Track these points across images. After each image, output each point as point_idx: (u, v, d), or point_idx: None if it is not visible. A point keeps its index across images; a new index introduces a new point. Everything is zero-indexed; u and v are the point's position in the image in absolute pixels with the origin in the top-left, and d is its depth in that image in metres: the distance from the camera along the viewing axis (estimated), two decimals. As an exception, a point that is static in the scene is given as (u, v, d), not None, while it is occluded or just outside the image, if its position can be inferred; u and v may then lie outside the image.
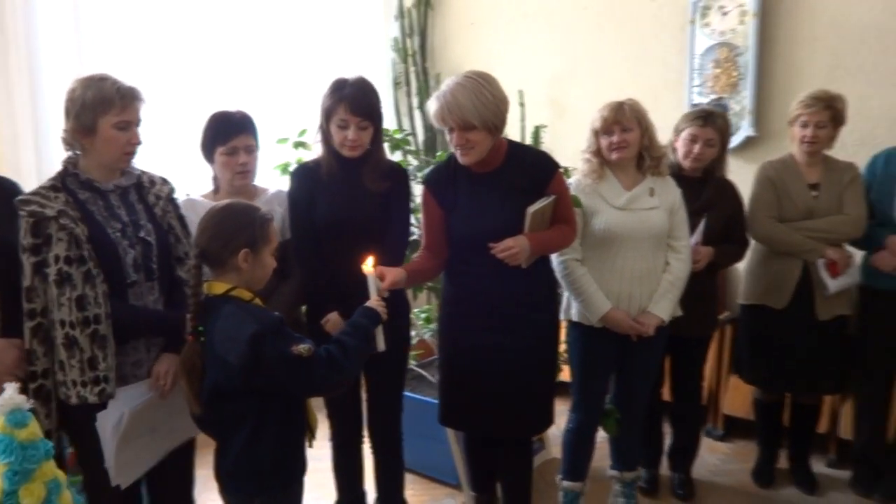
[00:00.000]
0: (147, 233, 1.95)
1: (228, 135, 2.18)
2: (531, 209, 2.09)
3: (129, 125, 1.89)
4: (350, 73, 2.26)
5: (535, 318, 2.21)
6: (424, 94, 4.48)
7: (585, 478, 2.65)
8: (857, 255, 2.81)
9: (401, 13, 4.56)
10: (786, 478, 3.03)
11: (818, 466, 3.09)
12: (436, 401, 2.71)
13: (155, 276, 1.95)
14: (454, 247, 2.21)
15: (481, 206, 2.14)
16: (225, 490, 1.78)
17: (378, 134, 2.22)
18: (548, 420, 2.34)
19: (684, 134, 2.68)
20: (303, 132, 2.72)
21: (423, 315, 3.24)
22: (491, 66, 4.35)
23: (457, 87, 2.06)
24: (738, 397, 3.35)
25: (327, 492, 2.56)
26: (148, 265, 1.94)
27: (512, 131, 4.20)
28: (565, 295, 2.48)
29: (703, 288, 2.64)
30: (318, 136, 2.24)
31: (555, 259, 2.37)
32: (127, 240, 1.91)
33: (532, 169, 2.19)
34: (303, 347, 1.60)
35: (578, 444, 2.60)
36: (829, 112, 2.64)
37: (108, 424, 1.88)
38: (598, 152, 2.41)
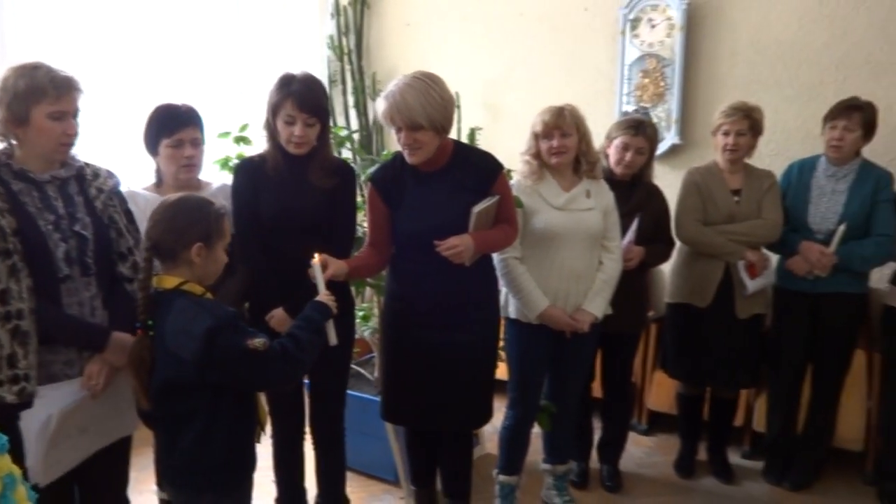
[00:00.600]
0: (83, 226, 1.87)
1: (174, 127, 2.14)
2: (476, 208, 2.14)
3: (64, 115, 1.82)
4: (286, 70, 2.24)
5: (477, 316, 2.27)
6: (360, 92, 4.49)
7: (521, 472, 2.72)
8: (773, 258, 3.00)
9: (337, 11, 4.54)
10: (705, 469, 3.20)
11: (734, 458, 3.28)
12: (374, 398, 2.74)
13: (91, 271, 1.87)
14: (399, 244, 2.23)
15: (427, 205, 2.18)
16: (172, 485, 1.75)
17: (325, 131, 2.22)
18: (488, 414, 2.40)
19: (617, 142, 2.79)
20: (244, 127, 2.68)
21: (360, 313, 3.24)
22: (427, 67, 4.40)
23: (405, 87, 2.09)
24: (661, 393, 3.51)
25: (266, 490, 2.53)
26: (83, 260, 1.86)
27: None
28: (503, 292, 2.54)
29: (633, 286, 2.76)
30: (264, 132, 2.21)
31: (495, 257, 2.43)
32: (59, 233, 1.83)
33: (477, 169, 2.24)
34: (258, 342, 1.59)
35: (515, 439, 2.67)
36: (748, 121, 2.82)
37: (33, 424, 1.79)
38: (537, 155, 2.49)
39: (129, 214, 2.00)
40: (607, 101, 3.87)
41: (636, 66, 3.77)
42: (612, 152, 2.80)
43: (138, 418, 1.91)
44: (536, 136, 2.48)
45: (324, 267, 1.94)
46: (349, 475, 2.99)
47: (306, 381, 2.35)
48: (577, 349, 2.57)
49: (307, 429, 2.42)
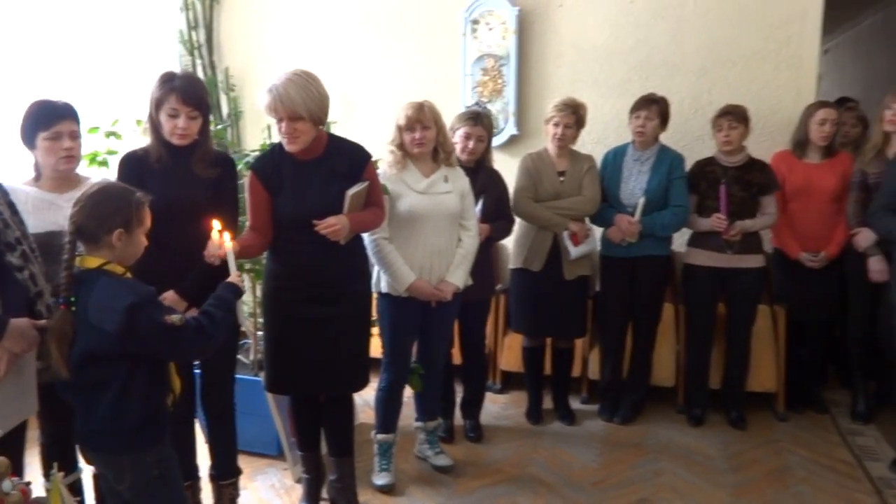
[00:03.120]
0: None
1: (51, 120, 2.19)
2: (350, 192, 2.41)
3: None
4: (139, 65, 2.36)
5: (353, 290, 2.53)
6: (213, 87, 4.55)
7: (396, 430, 3.04)
8: (597, 230, 3.53)
9: (185, 5, 4.56)
10: (551, 415, 3.70)
11: (575, 404, 3.81)
12: (252, 378, 2.93)
13: None
14: (280, 226, 2.44)
15: (305, 190, 2.41)
16: (91, 449, 1.85)
17: (206, 124, 2.38)
18: (365, 379, 2.67)
19: (460, 132, 3.18)
20: (115, 122, 2.74)
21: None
22: (280, 62, 4.56)
23: (287, 82, 2.32)
24: (511, 356, 3.98)
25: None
26: None
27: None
28: (375, 269, 2.83)
29: (482, 258, 3.13)
30: (147, 125, 2.33)
31: (366, 237, 2.71)
32: None
33: (350, 157, 2.50)
34: (176, 317, 1.74)
35: (389, 400, 2.98)
36: (574, 116, 3.32)
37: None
38: (401, 145, 2.80)
39: (12, 206, 2.03)
40: (453, 96, 4.24)
41: (477, 64, 4.19)
42: (457, 141, 3.18)
43: (36, 402, 1.99)
44: (400, 129, 2.79)
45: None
46: (234, 452, 3.18)
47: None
48: (441, 317, 2.93)
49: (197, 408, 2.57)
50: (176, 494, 1.90)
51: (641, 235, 3.36)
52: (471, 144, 3.16)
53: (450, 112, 3.25)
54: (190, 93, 2.28)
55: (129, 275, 1.83)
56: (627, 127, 3.52)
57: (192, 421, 2.57)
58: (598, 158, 3.56)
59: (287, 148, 2.40)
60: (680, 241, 3.77)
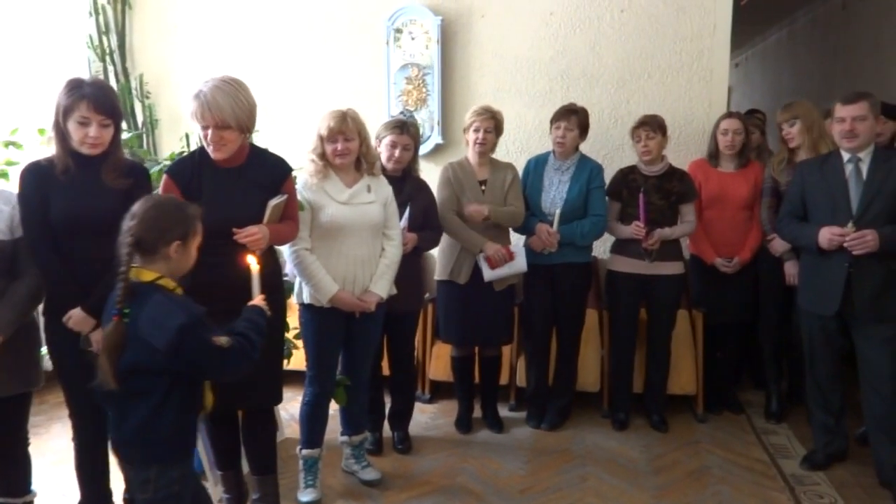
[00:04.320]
0: None
1: None
2: (272, 202, 2.35)
3: None
4: (46, 70, 2.26)
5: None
6: (127, 94, 4.38)
7: (321, 445, 2.97)
8: (521, 251, 3.48)
9: (95, 10, 4.38)
10: (480, 424, 3.70)
11: (503, 411, 3.82)
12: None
13: None
14: (203, 237, 2.32)
15: (226, 198, 2.32)
16: (122, 459, 1.88)
17: (117, 132, 2.27)
18: (278, 392, 2.59)
19: (386, 140, 3.14)
20: (14, 131, 2.58)
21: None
22: (196, 70, 4.44)
23: (215, 89, 2.24)
24: (440, 365, 3.96)
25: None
26: None
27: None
28: (297, 280, 2.76)
29: (410, 269, 3.12)
30: (52, 135, 2.20)
31: (287, 249, 2.65)
32: None
33: (272, 169, 2.45)
34: (223, 340, 1.79)
35: (314, 415, 2.89)
36: (493, 121, 3.34)
37: None
38: (322, 155, 2.74)
39: None
40: (377, 105, 4.22)
41: (401, 73, 4.18)
42: (383, 150, 3.15)
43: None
44: (322, 139, 2.73)
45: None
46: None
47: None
48: (365, 328, 2.88)
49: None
50: None
51: (561, 244, 3.41)
52: (397, 153, 3.13)
53: (375, 121, 3.22)
54: (101, 100, 2.17)
55: (179, 290, 1.87)
56: (550, 136, 3.56)
57: (105, 445, 2.42)
58: (520, 166, 3.59)
59: (213, 155, 2.32)
60: (604, 247, 3.85)
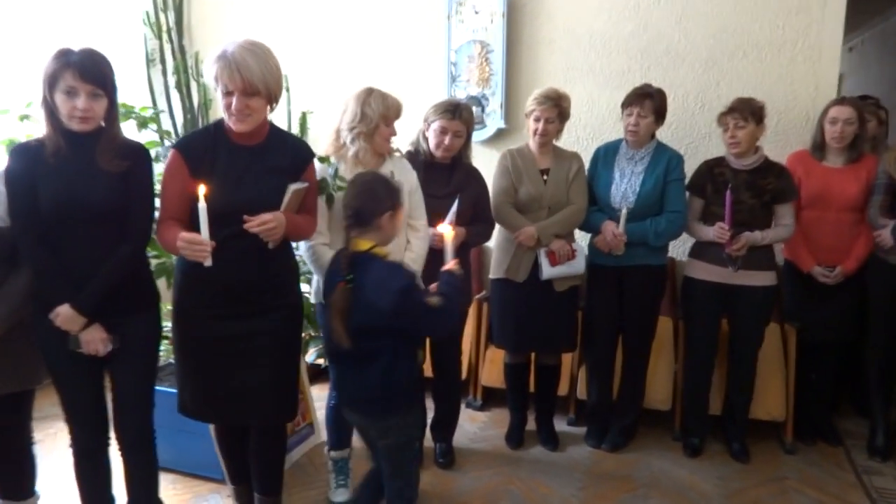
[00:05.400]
0: None
1: None
2: (293, 187, 2.08)
3: None
4: (103, 48, 2.06)
5: (278, 302, 2.18)
6: (182, 72, 4.24)
7: (350, 445, 2.76)
8: (584, 247, 3.13)
9: (153, -14, 4.25)
10: (534, 438, 3.35)
11: (560, 425, 3.46)
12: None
13: None
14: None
15: (240, 178, 2.06)
16: (361, 414, 2.09)
17: (113, 107, 2.04)
18: (293, 407, 2.31)
19: (435, 126, 2.82)
20: (29, 104, 2.41)
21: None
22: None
23: (244, 50, 2.00)
24: (493, 370, 3.64)
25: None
26: None
27: (278, 116, 4.16)
28: (314, 279, 2.50)
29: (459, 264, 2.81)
30: (42, 111, 2.00)
31: (303, 245, 2.38)
32: None
33: (294, 151, 2.18)
34: (434, 299, 1.96)
35: (340, 417, 2.65)
36: (557, 109, 2.95)
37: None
38: (362, 134, 2.48)
39: None
40: (435, 86, 3.91)
41: (463, 50, 3.84)
42: (431, 136, 2.83)
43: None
44: (383, 119, 2.49)
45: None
46: (173, 476, 2.87)
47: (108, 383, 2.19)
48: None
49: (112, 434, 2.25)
50: (416, 455, 2.18)
51: (631, 244, 2.99)
52: (447, 140, 2.81)
53: (427, 98, 2.92)
54: (89, 67, 1.94)
55: (390, 257, 2.06)
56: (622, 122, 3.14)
57: (105, 450, 2.24)
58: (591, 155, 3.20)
59: (235, 127, 2.06)
60: (683, 247, 3.41)
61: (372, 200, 1.98)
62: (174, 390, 2.62)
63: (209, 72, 2.04)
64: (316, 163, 2.34)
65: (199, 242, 1.93)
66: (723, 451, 3.26)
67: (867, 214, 3.10)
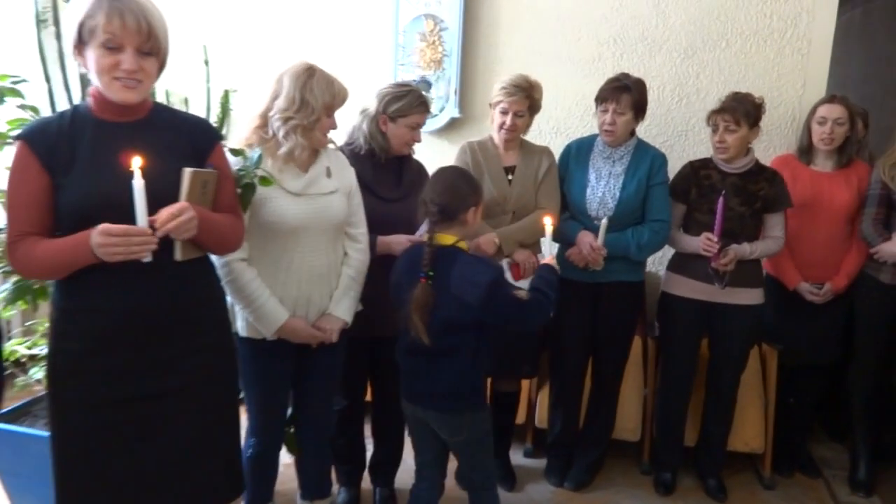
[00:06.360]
0: None
1: None
2: (191, 169, 1.57)
3: None
4: None
5: (201, 344, 1.67)
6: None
7: (272, 500, 2.27)
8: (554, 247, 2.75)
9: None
10: (487, 474, 2.92)
11: (516, 457, 3.05)
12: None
13: None
14: (69, 227, 1.53)
15: (115, 164, 1.52)
16: (435, 410, 1.99)
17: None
18: (239, 480, 1.83)
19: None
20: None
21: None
22: (174, 19, 3.68)
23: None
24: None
25: None
26: None
27: (194, 95, 3.59)
28: (229, 304, 1.99)
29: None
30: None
31: (217, 261, 1.86)
32: None
33: (188, 128, 1.68)
34: (522, 292, 1.94)
35: (261, 471, 2.18)
36: (528, 101, 2.55)
37: None
38: (299, 128, 1.96)
39: None
40: (380, 66, 3.42)
41: (412, 27, 3.35)
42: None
43: None
44: (326, 107, 2.00)
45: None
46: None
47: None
48: (324, 361, 2.13)
49: None
50: (491, 447, 2.11)
51: (609, 257, 2.59)
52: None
53: (375, 86, 2.42)
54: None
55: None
56: (594, 116, 2.73)
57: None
58: (557, 150, 2.78)
59: (121, 96, 1.55)
60: (655, 259, 3.05)
61: (458, 197, 1.91)
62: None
63: (74, 20, 1.50)
64: (229, 156, 1.83)
65: (138, 233, 1.45)
66: (697, 488, 2.91)
67: (859, 228, 2.79)
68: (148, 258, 1.50)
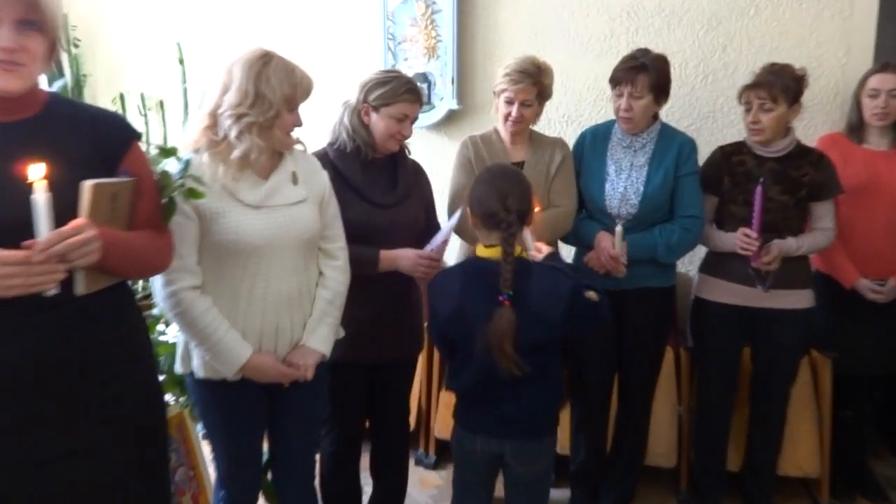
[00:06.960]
0: None
1: None
2: (91, 182, 1.26)
3: None
4: None
5: (119, 391, 1.36)
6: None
7: None
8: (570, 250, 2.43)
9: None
10: (502, 507, 2.60)
11: (536, 487, 2.72)
12: None
13: None
14: None
15: (5, 177, 1.22)
16: (514, 438, 1.81)
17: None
18: None
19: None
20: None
21: None
22: (140, 12, 3.44)
23: None
24: (449, 417, 2.84)
25: None
26: None
27: (170, 96, 3.34)
28: (182, 341, 1.68)
29: (407, 299, 2.11)
30: None
31: (160, 290, 1.56)
32: None
33: (94, 126, 1.36)
34: (593, 294, 1.72)
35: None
36: (536, 88, 2.25)
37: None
38: (255, 126, 1.62)
39: None
40: (367, 54, 3.14)
41: (402, 10, 3.04)
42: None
43: None
44: (286, 101, 1.67)
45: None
46: None
47: None
48: (301, 400, 1.81)
49: None
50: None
51: (634, 260, 2.25)
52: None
53: (358, 74, 2.11)
54: None
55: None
56: (609, 100, 2.39)
57: None
58: (570, 139, 2.46)
59: (2, 84, 1.25)
60: (688, 258, 2.70)
61: (527, 201, 1.74)
62: None
63: None
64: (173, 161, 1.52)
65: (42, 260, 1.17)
66: (743, 519, 2.57)
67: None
68: (53, 291, 1.20)
